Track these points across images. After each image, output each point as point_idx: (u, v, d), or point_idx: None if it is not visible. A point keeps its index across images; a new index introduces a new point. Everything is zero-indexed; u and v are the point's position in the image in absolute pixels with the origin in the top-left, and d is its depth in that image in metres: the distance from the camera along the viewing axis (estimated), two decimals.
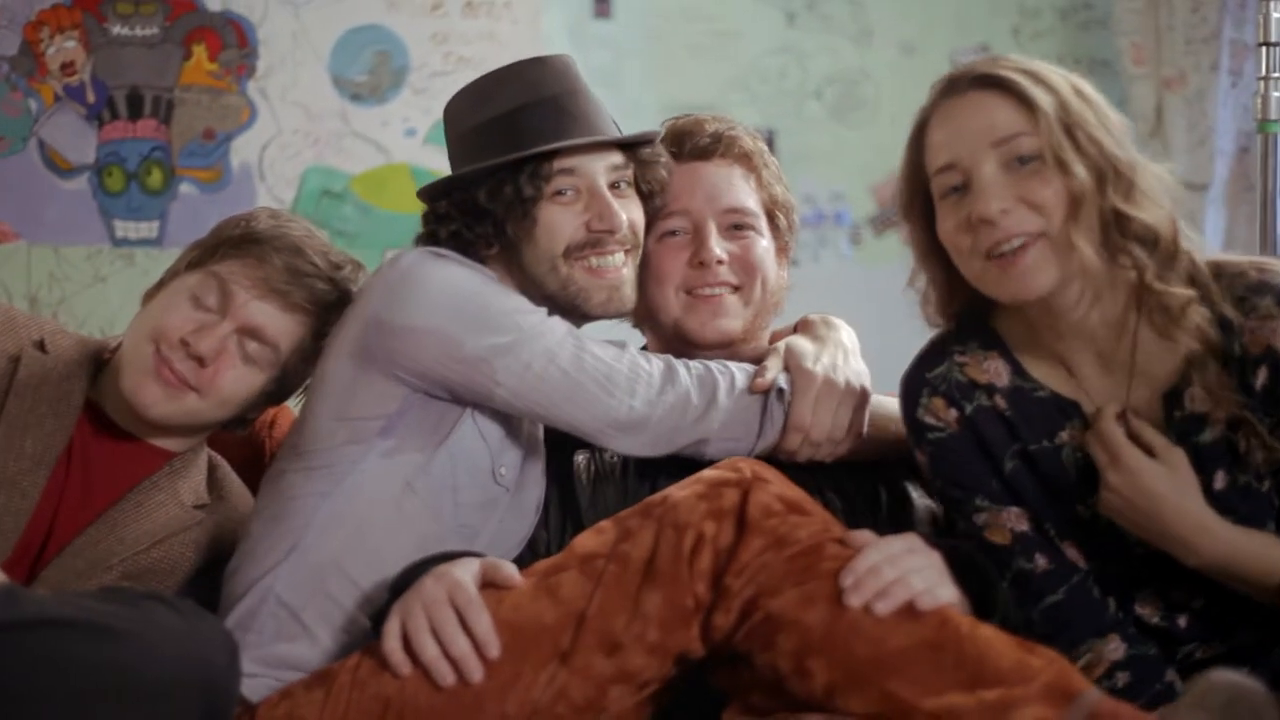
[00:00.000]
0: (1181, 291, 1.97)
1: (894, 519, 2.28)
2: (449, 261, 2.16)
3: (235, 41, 4.28)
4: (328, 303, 2.28)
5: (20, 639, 1.80)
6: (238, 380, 2.26)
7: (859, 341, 2.35)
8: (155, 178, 4.23)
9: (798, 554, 1.94)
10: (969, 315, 2.11)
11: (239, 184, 4.26)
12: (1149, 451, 2.00)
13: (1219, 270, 2.03)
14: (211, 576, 2.24)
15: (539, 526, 2.27)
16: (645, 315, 2.39)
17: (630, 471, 2.29)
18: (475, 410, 2.16)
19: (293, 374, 2.31)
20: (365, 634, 2.05)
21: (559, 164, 2.20)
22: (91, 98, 4.20)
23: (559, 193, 2.21)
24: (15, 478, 2.21)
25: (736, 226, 2.36)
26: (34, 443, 2.23)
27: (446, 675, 1.93)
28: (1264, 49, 2.86)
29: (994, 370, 2.09)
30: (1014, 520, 2.08)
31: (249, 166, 4.28)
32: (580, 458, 2.31)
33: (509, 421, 2.20)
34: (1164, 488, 1.98)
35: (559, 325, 2.16)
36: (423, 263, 2.15)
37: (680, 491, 2.00)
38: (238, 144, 4.28)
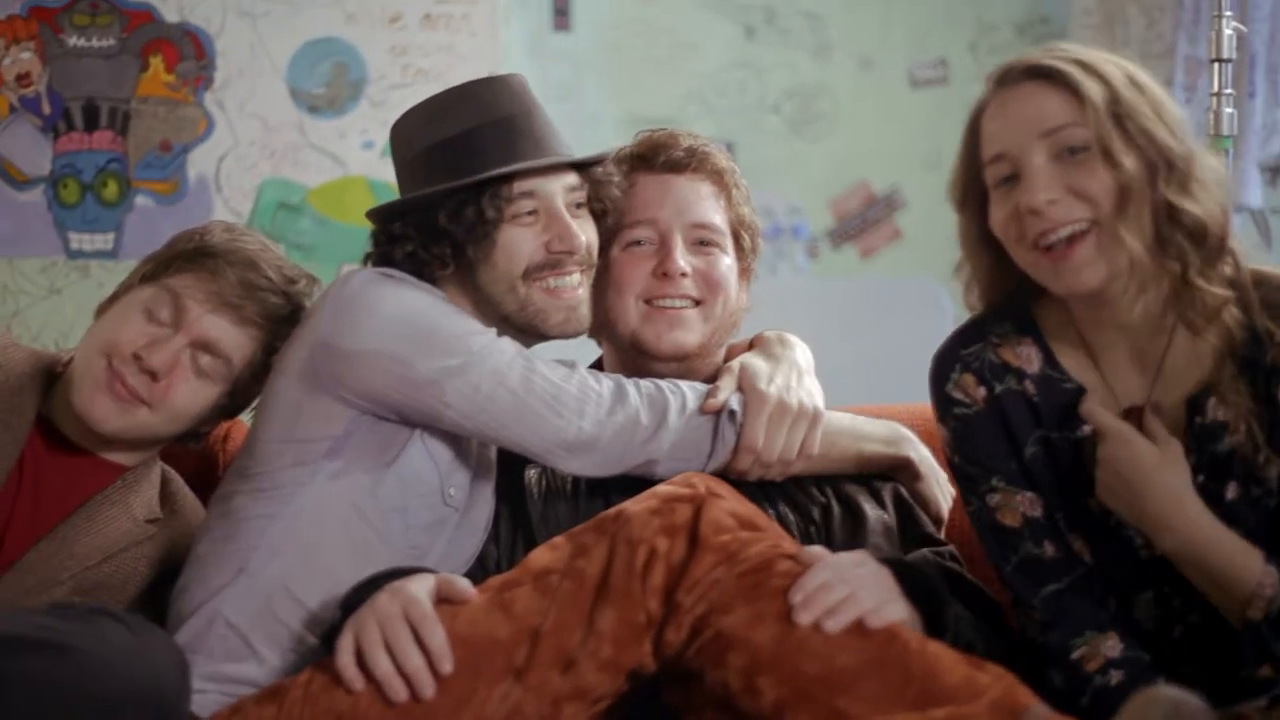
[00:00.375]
0: (1220, 291, 1.97)
1: (847, 532, 2.28)
2: (400, 283, 2.16)
3: (193, 53, 4.26)
4: (281, 317, 2.28)
5: None
6: (190, 394, 2.26)
7: (814, 355, 2.36)
8: (111, 189, 4.22)
9: (748, 571, 1.94)
10: (1008, 299, 2.11)
11: (195, 196, 4.25)
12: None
13: (1260, 279, 2.02)
14: (164, 590, 2.23)
15: (489, 542, 2.26)
16: (602, 325, 2.37)
17: (582, 487, 2.28)
18: (424, 432, 2.15)
19: (245, 388, 2.31)
20: (315, 653, 2.04)
21: (519, 186, 2.20)
22: (47, 109, 4.19)
23: (519, 215, 2.20)
24: None
25: (702, 242, 2.37)
26: None
27: (400, 691, 1.91)
28: (1216, 65, 2.87)
29: (1026, 356, 2.10)
30: (1027, 505, 2.08)
31: (206, 178, 4.27)
32: (532, 472, 2.30)
33: (458, 442, 2.19)
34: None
35: (508, 346, 2.15)
36: (373, 284, 2.14)
37: (634, 506, 2.00)
38: (194, 156, 4.27)
